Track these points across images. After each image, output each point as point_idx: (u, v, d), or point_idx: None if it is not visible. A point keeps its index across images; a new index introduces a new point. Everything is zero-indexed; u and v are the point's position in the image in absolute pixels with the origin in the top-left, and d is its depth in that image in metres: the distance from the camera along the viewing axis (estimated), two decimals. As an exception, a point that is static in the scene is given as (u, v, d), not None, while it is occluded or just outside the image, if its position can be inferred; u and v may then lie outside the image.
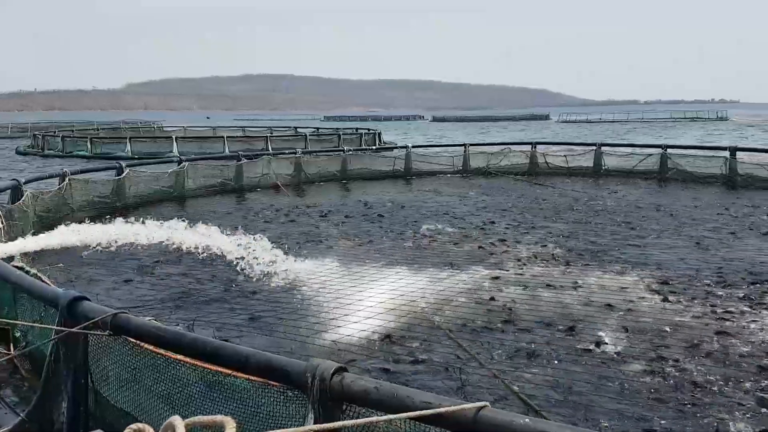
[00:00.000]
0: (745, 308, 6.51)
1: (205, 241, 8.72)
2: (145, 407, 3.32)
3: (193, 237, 8.92)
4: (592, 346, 5.52)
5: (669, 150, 18.71)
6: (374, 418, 2.40)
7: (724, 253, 9.14)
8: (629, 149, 20.10)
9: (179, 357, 3.28)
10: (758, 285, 7.36)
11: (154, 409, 3.34)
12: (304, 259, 8.75)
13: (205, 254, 8.73)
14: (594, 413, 4.35)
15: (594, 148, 19.65)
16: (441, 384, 4.84)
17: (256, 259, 8.47)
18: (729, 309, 6.49)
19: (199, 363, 3.21)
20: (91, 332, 3.52)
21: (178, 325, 6.02)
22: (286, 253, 8.81)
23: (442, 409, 2.31)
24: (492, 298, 6.99)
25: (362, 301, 6.92)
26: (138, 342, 3.35)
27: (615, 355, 5.34)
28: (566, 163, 19.82)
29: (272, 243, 9.11)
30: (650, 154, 18.78)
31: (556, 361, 5.24)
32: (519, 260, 8.82)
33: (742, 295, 6.99)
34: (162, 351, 3.31)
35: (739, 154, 17.38)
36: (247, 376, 3.03)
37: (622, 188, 16.57)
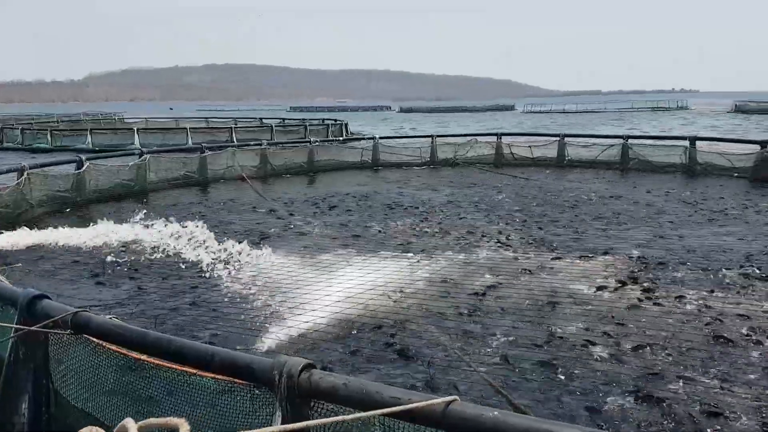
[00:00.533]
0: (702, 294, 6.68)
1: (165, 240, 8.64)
2: (107, 408, 3.24)
3: (153, 236, 8.88)
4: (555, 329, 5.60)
5: (630, 140, 19.06)
6: (340, 417, 2.38)
7: (676, 240, 9.36)
8: (592, 140, 20.41)
9: (143, 357, 3.22)
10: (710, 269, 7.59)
11: (116, 410, 3.27)
12: (270, 252, 8.66)
13: (167, 252, 8.62)
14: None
15: (558, 138, 19.90)
16: (411, 372, 4.86)
17: (221, 253, 8.39)
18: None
19: (164, 362, 3.15)
20: (51, 331, 3.42)
21: (151, 327, 5.90)
22: (251, 247, 8.72)
23: (411, 405, 2.30)
24: (459, 285, 7.08)
25: (329, 290, 6.93)
26: (100, 341, 3.27)
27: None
28: (531, 153, 20.03)
29: (236, 236, 9.02)
30: (612, 145, 19.09)
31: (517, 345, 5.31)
32: (485, 247, 8.92)
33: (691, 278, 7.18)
34: (125, 350, 3.24)
35: (699, 144, 17.80)
36: (213, 375, 2.98)
37: (585, 178, 16.82)
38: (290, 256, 8.53)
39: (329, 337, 5.67)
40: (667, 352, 5.18)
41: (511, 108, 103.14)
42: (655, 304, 6.40)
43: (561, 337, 5.52)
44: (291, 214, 12.01)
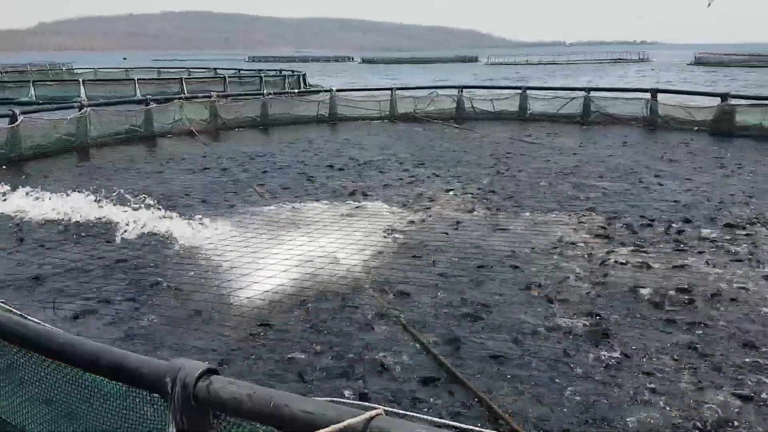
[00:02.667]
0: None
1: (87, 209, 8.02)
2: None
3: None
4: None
5: (592, 93, 18.75)
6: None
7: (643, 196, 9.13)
8: (554, 92, 20.03)
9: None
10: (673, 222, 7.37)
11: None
12: (211, 219, 8.13)
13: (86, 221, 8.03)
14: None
15: (519, 91, 19.46)
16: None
17: (152, 220, 7.81)
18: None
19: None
20: None
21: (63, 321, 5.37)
22: (191, 214, 8.16)
23: (326, 429, 1.91)
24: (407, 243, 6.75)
25: (277, 256, 6.53)
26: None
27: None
28: (492, 107, 19.58)
29: (173, 199, 8.42)
30: (574, 98, 18.76)
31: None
32: (443, 206, 8.58)
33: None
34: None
35: (660, 96, 17.59)
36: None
37: (547, 132, 16.50)
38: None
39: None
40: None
41: (475, 59, 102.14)
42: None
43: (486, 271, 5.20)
44: (224, 169, 11.43)
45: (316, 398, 2.90)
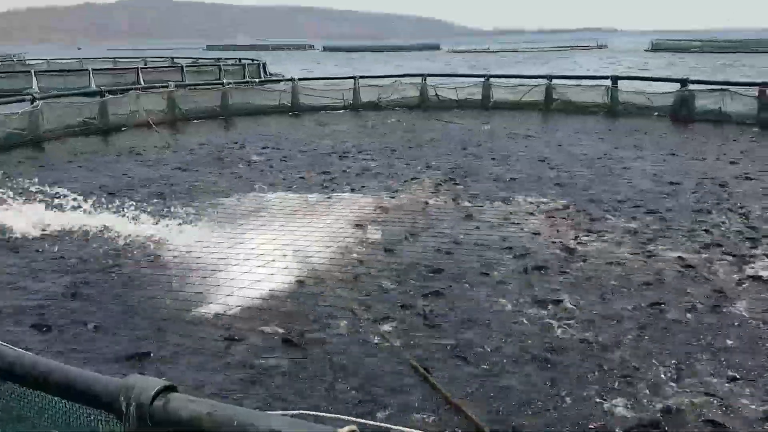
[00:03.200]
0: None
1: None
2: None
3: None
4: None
5: (554, 80, 18.81)
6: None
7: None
8: (516, 80, 20.04)
9: None
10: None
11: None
12: (171, 215, 7.86)
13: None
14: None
15: (482, 80, 19.42)
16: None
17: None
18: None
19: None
20: None
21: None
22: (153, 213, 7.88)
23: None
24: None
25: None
26: None
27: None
28: (456, 95, 19.50)
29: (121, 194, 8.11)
30: (536, 85, 18.80)
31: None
32: (415, 196, 8.50)
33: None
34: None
35: (620, 83, 17.74)
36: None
37: (508, 120, 16.52)
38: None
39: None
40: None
41: (437, 47, 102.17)
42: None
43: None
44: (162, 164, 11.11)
45: (285, 414, 2.75)
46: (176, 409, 1.95)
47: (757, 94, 14.67)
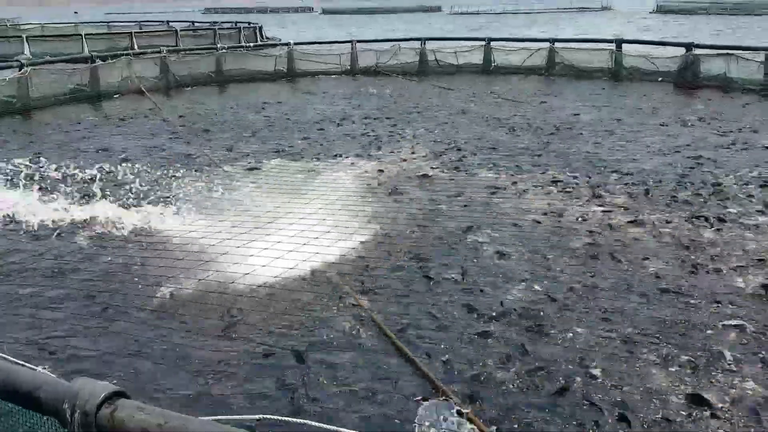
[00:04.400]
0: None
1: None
2: None
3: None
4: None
5: (557, 44, 18.33)
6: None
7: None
8: (519, 44, 19.50)
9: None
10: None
11: None
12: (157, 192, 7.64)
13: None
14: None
15: (483, 43, 18.93)
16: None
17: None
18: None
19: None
20: None
21: None
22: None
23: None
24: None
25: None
26: None
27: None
28: (456, 60, 19.03)
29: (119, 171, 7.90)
30: (539, 49, 18.32)
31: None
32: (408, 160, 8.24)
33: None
34: None
35: (625, 47, 17.25)
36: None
37: (510, 85, 16.16)
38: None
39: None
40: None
41: (438, 9, 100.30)
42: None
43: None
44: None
45: (246, 418, 2.58)
46: (123, 418, 1.77)
47: (764, 58, 14.25)
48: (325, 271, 5.19)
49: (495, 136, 10.33)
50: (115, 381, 3.02)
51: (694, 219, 6.21)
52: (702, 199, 6.82)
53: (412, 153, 9.21)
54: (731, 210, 6.46)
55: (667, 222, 6.16)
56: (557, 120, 11.51)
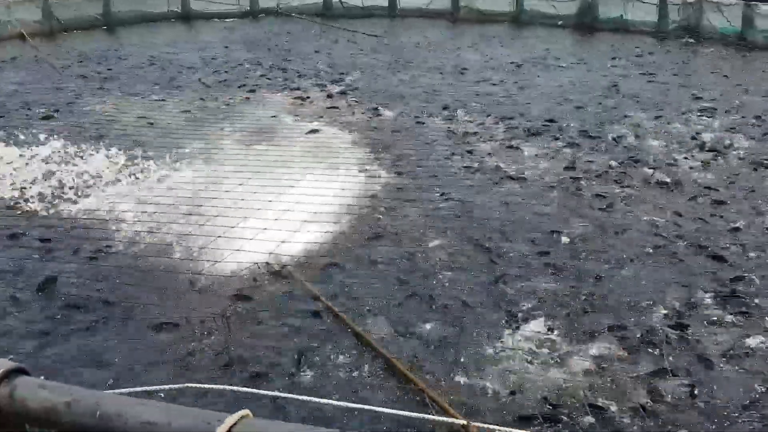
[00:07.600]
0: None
1: None
2: None
3: None
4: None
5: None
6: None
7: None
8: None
9: None
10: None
11: None
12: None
13: None
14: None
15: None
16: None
17: None
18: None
19: None
20: None
21: None
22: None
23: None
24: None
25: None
26: None
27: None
28: (361, 2, 18.40)
29: None
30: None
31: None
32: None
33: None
34: None
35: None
36: None
37: (414, 32, 15.90)
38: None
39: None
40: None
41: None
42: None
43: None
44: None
45: (164, 389, 2.42)
46: (25, 397, 1.60)
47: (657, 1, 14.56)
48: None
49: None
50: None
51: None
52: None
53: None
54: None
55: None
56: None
